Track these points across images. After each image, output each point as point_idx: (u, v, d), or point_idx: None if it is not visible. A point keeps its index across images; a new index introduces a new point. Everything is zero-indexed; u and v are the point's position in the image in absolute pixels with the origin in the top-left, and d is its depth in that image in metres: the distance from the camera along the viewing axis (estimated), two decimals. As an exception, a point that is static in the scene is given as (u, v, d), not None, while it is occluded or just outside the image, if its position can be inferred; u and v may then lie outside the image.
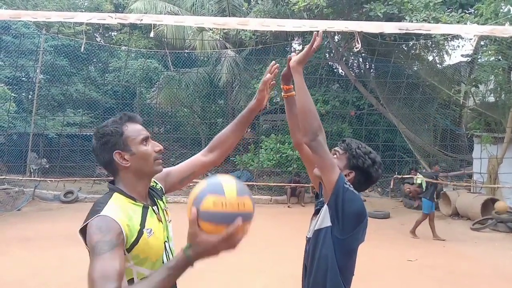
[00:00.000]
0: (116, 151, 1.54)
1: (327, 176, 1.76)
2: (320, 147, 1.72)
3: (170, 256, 1.57)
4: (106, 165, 1.59)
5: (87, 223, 1.38)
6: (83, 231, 1.41)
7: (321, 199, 2.04)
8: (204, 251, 1.22)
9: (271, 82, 1.93)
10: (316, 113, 1.74)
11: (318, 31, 1.78)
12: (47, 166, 13.03)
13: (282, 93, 2.04)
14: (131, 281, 1.42)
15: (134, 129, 1.58)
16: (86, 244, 1.38)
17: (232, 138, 1.93)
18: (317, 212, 1.95)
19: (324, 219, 1.83)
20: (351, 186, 1.79)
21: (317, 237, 1.85)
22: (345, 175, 1.86)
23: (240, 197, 1.23)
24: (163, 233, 1.55)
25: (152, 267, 1.46)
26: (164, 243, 1.55)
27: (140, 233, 1.43)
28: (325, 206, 1.84)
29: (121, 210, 1.43)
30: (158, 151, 1.59)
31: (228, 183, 1.24)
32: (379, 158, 1.96)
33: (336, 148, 1.98)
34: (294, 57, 1.76)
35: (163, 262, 1.50)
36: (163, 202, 1.67)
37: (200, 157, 1.89)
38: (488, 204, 9.72)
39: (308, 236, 1.95)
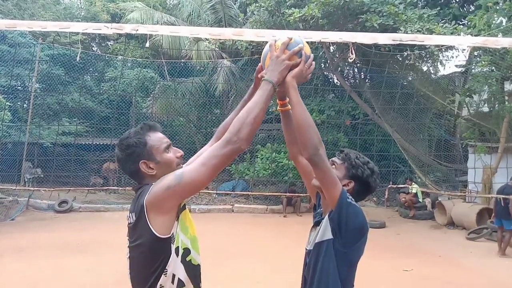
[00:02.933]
0: (142, 161, 1.63)
1: (329, 191, 1.76)
2: (322, 161, 1.70)
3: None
4: (132, 173, 1.68)
5: (149, 194, 1.54)
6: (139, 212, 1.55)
7: (319, 210, 2.03)
8: (277, 67, 1.68)
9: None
10: (315, 127, 1.73)
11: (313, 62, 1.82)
12: (42, 175, 12.95)
13: (278, 107, 2.02)
14: (177, 249, 1.58)
15: (157, 138, 1.68)
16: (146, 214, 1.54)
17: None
18: (316, 223, 1.94)
19: (325, 232, 1.82)
20: (353, 199, 1.80)
21: (318, 249, 1.84)
22: (344, 185, 1.87)
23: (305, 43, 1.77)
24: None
25: (192, 240, 1.65)
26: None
27: (184, 205, 1.65)
28: (326, 218, 1.84)
29: None
30: (179, 156, 1.71)
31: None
32: (377, 168, 1.97)
33: (333, 159, 1.98)
34: (290, 73, 1.74)
35: (196, 241, 1.69)
36: None
37: (208, 148, 1.90)
38: (483, 214, 9.75)
39: (308, 248, 1.94)
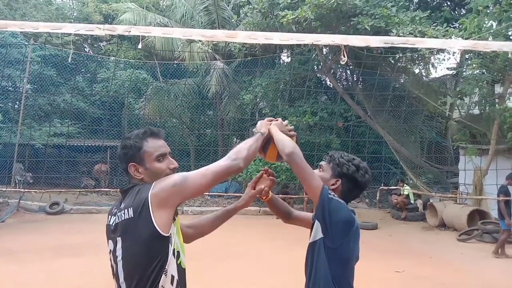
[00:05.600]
0: (132, 163, 1.69)
1: (310, 187, 1.83)
2: (297, 156, 1.81)
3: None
4: (124, 171, 1.74)
5: (154, 189, 1.59)
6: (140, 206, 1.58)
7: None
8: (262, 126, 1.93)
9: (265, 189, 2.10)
10: (291, 140, 1.90)
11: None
12: (31, 181, 12.79)
13: (262, 199, 2.15)
14: (174, 251, 1.61)
15: (153, 146, 1.71)
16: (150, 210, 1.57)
17: (207, 228, 2.04)
18: (313, 223, 1.99)
19: (317, 232, 1.88)
20: (336, 195, 1.84)
21: (313, 249, 1.90)
22: (332, 184, 1.92)
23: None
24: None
25: (182, 246, 1.69)
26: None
27: (177, 210, 1.70)
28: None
29: None
30: (172, 168, 1.72)
31: None
32: (365, 164, 2.01)
33: (320, 163, 2.05)
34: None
35: (184, 246, 1.73)
36: None
37: (183, 225, 1.95)
38: (474, 215, 9.83)
39: (307, 249, 2.00)
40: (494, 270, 7.06)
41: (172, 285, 1.58)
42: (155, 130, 1.74)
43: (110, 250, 1.66)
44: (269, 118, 2.03)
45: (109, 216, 1.71)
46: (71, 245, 7.72)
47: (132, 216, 1.56)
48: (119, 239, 1.60)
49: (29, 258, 6.83)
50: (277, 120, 2.00)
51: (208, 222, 2.03)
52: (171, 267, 1.58)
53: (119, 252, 1.60)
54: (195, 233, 1.99)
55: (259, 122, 2.00)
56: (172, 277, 1.58)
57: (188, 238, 1.94)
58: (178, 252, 1.63)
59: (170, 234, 1.58)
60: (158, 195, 1.55)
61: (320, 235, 1.85)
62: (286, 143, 1.86)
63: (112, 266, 1.66)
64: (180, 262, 1.64)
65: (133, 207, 1.57)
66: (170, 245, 1.57)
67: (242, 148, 1.76)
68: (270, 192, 2.11)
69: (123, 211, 1.60)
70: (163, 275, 1.55)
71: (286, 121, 2.04)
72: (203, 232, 2.02)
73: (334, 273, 1.82)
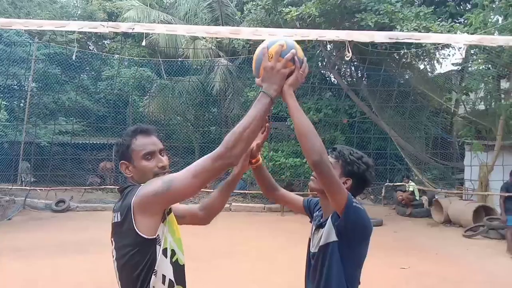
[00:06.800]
0: (122, 161, 1.70)
1: (335, 197, 1.74)
2: (326, 166, 1.65)
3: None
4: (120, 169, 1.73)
5: (137, 196, 1.55)
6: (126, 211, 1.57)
7: (317, 212, 2.03)
8: (273, 78, 1.60)
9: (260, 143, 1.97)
10: (316, 133, 1.66)
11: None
12: (32, 180, 12.84)
13: (250, 166, 2.03)
14: (165, 250, 1.59)
15: (142, 143, 1.67)
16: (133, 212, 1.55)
17: (216, 204, 2.02)
18: (320, 226, 1.92)
19: (330, 234, 1.82)
20: (357, 202, 1.80)
21: (324, 251, 1.83)
22: (343, 183, 1.85)
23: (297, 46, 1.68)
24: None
25: (178, 243, 1.66)
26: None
27: (170, 208, 1.67)
28: (329, 221, 1.83)
29: None
30: (160, 167, 1.67)
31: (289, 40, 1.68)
32: (371, 161, 1.97)
33: None
34: (286, 82, 1.65)
35: (181, 242, 1.70)
36: None
37: (196, 208, 1.98)
38: (479, 211, 9.79)
39: (312, 251, 1.92)
40: (500, 266, 7.02)
41: (164, 284, 1.58)
42: (145, 127, 1.72)
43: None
44: (277, 50, 1.61)
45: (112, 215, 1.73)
46: (77, 242, 7.76)
47: (119, 220, 1.58)
48: (112, 240, 1.65)
49: (35, 255, 6.87)
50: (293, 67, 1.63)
51: (216, 199, 2.01)
52: (162, 267, 1.58)
53: (114, 253, 1.65)
54: (209, 213, 1.99)
55: (264, 65, 1.62)
56: (164, 276, 1.58)
57: (203, 220, 1.98)
58: (172, 250, 1.62)
59: (158, 235, 1.57)
60: (140, 203, 1.53)
61: (333, 238, 1.81)
62: (315, 142, 1.63)
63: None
64: (177, 259, 1.64)
65: (120, 212, 1.58)
66: (158, 245, 1.56)
67: (240, 139, 1.50)
68: (260, 158, 2.04)
69: (114, 214, 1.63)
70: (153, 275, 1.55)
71: (305, 63, 1.68)
72: (215, 210, 2.01)
73: (347, 275, 1.81)
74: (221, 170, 1.53)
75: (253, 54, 1.73)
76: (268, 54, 1.61)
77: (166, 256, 1.59)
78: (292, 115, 1.67)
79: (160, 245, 1.57)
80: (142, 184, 1.60)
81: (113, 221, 1.63)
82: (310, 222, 2.11)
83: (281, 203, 2.19)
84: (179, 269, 1.64)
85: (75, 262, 6.49)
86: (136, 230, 1.53)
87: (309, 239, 2.01)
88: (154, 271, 1.56)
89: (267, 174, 2.17)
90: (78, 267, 6.22)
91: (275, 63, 1.60)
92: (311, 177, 1.96)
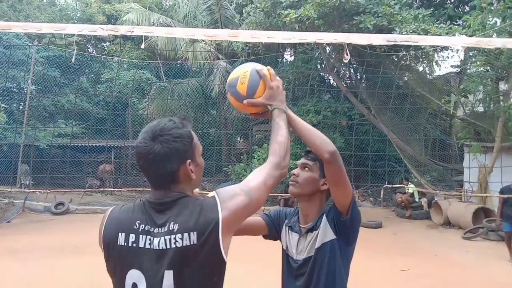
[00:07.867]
0: (189, 160, 1.31)
1: (344, 190, 1.73)
2: (339, 156, 1.65)
3: None
4: (165, 176, 1.30)
5: (225, 211, 1.27)
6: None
7: (289, 220, 1.97)
8: (281, 96, 1.60)
9: None
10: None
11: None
12: (27, 183, 12.83)
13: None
14: None
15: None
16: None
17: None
18: (309, 230, 1.85)
19: (326, 234, 1.79)
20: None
21: (322, 253, 1.79)
22: (322, 185, 1.84)
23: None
24: None
25: None
26: None
27: None
28: (324, 221, 1.80)
29: None
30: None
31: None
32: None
33: (303, 161, 1.91)
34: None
35: None
36: None
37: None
38: (479, 213, 9.79)
39: (301, 258, 1.84)
40: (499, 268, 7.03)
41: None
42: (187, 116, 1.61)
43: (135, 283, 1.26)
44: (272, 72, 1.65)
45: (137, 236, 1.27)
46: (76, 245, 7.75)
47: (195, 242, 1.22)
48: (168, 272, 1.23)
49: (34, 258, 6.88)
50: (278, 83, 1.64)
51: None
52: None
53: (165, 286, 1.24)
54: None
55: (269, 85, 1.61)
56: None
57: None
58: None
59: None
60: (231, 219, 1.27)
61: (330, 236, 1.78)
62: (323, 136, 1.67)
63: None
64: None
65: (197, 231, 1.23)
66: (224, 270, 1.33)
67: (287, 150, 1.47)
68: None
69: (179, 235, 1.23)
70: None
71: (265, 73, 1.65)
72: None
73: (346, 272, 1.83)
74: (280, 179, 1.43)
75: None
76: (269, 75, 1.62)
77: None
78: (294, 124, 1.67)
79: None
80: (211, 194, 1.32)
81: (182, 244, 1.23)
82: (271, 239, 2.04)
83: (239, 234, 1.82)
84: None
85: (74, 264, 6.49)
86: (222, 251, 1.25)
87: (283, 251, 1.94)
88: None
89: None
90: (77, 270, 6.21)
91: (277, 82, 1.63)
92: (291, 181, 1.91)
